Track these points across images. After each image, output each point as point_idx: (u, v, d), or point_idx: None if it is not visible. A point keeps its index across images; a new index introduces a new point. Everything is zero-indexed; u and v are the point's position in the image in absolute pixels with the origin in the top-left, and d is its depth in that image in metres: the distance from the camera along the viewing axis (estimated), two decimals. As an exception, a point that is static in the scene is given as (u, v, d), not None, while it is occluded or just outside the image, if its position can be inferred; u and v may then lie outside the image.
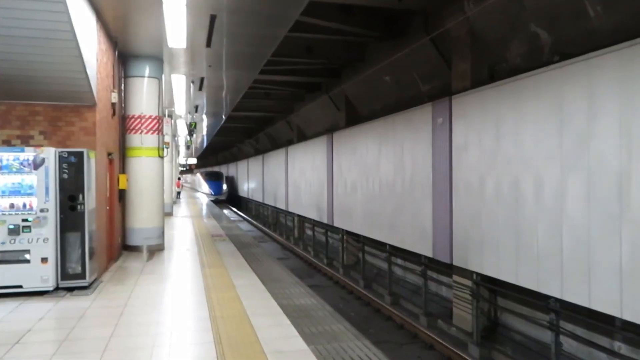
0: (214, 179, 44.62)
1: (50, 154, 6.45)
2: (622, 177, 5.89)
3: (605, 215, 6.12)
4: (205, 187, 44.39)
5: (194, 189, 57.36)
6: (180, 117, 18.31)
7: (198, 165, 64.58)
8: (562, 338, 7.01)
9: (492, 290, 9.06)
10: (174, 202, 24.30)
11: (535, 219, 7.29)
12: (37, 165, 6.40)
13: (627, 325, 6.33)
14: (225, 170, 52.79)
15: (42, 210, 6.39)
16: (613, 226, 6.01)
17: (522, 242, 7.55)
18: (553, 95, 6.95)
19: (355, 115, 16.22)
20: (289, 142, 24.90)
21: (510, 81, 7.83)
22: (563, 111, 6.78)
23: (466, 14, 8.74)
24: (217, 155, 61.18)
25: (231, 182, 47.00)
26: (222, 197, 43.11)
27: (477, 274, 8.67)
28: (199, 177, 50.75)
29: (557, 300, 6.90)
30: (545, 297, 7.09)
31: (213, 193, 42.36)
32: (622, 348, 6.79)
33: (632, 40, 5.76)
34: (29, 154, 6.41)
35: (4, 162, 6.35)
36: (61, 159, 6.49)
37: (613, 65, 6.02)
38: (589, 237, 6.34)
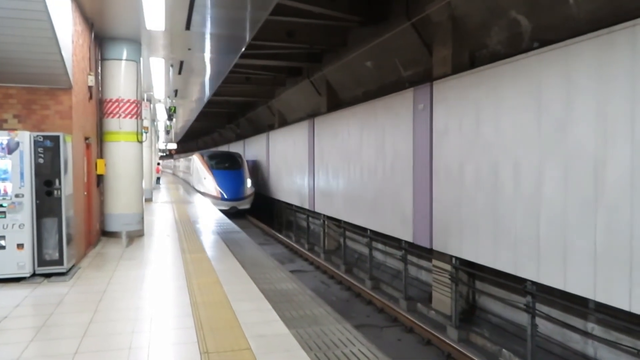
0: (227, 166, 23.95)
1: (24, 138, 6.30)
2: (598, 163, 6.01)
3: (581, 200, 6.25)
4: (209, 184, 22.99)
5: (188, 183, 31.35)
6: (160, 101, 18.02)
7: (178, 151, 56.14)
8: (538, 320, 7.18)
9: (470, 274, 9.21)
10: (154, 188, 24.03)
11: (513, 204, 7.41)
12: (11, 149, 6.24)
13: (600, 307, 6.51)
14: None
15: (17, 196, 6.25)
16: (588, 211, 6.14)
17: (500, 227, 7.67)
18: (532, 82, 7.02)
19: (336, 101, 16.19)
20: (270, 127, 24.77)
21: (490, 67, 7.89)
22: (541, 97, 6.86)
23: (448, -1, 8.73)
24: (197, 140, 60.35)
25: (256, 171, 26.39)
26: (246, 206, 23.13)
27: (457, 258, 8.80)
28: (197, 165, 25.61)
29: (533, 283, 7.05)
30: (522, 281, 7.24)
31: (226, 196, 22.25)
32: (595, 329, 6.99)
33: (610, 28, 5.83)
34: (2, 138, 6.23)
35: (-23, 146, 6.18)
36: (36, 143, 6.34)
37: (591, 52, 6.10)
38: (565, 222, 6.48)
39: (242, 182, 23.14)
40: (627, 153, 5.65)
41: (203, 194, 22.88)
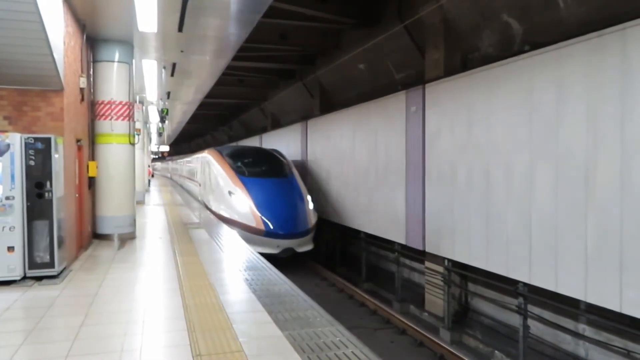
0: (266, 171, 14.25)
1: (15, 139, 6.25)
2: (588, 165, 6.06)
3: (571, 202, 6.29)
4: (241, 205, 12.84)
5: (195, 198, 20.08)
6: (152, 103, 17.95)
7: (171, 153, 51.30)
8: (530, 321, 7.21)
9: (463, 275, 9.24)
10: (146, 190, 23.89)
11: (505, 206, 7.44)
12: (1, 151, 6.19)
13: (591, 308, 6.55)
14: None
15: (7, 198, 6.20)
16: (579, 213, 6.18)
17: (492, 229, 7.70)
18: (523, 84, 7.07)
19: (329, 103, 16.22)
20: (262, 130, 24.76)
21: (482, 70, 7.93)
22: (533, 100, 6.91)
23: (439, 1, 8.78)
24: (190, 142, 60.15)
25: (306, 179, 16.24)
26: (308, 246, 12.81)
27: (449, 260, 8.82)
28: (212, 169, 15.19)
29: (525, 284, 7.08)
30: (514, 282, 7.27)
31: (275, 229, 12.13)
32: (587, 330, 7.03)
33: (600, 31, 5.89)
34: (-7, 139, 6.20)
35: (-33, 148, 6.13)
36: (27, 145, 6.30)
37: (581, 55, 6.15)
38: (556, 224, 6.52)
39: (300, 202, 13.16)
40: (617, 155, 5.70)
41: (228, 221, 12.80)
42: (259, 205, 12.52)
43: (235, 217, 12.76)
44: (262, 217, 12.26)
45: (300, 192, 13.63)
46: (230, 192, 13.37)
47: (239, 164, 14.40)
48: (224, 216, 13.31)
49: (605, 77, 5.84)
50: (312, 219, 13.02)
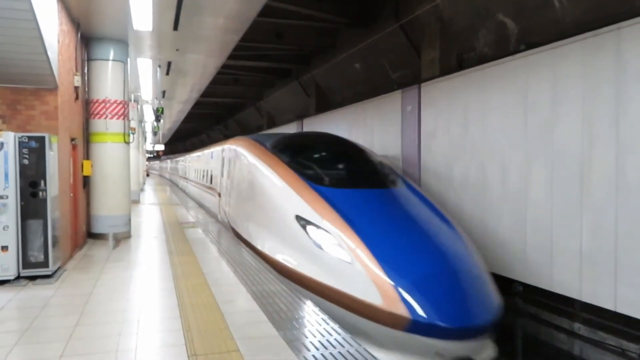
0: (366, 177, 7.17)
1: (9, 138, 6.21)
2: (583, 165, 6.08)
3: (566, 201, 6.31)
4: (336, 250, 5.71)
5: (212, 215, 12.49)
6: (147, 102, 17.89)
7: (166, 152, 52.03)
8: (526, 321, 7.22)
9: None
10: (141, 190, 23.81)
11: (500, 206, 7.46)
12: (-5, 150, 6.16)
13: (586, 307, 6.57)
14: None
15: (1, 197, 6.16)
16: (574, 212, 6.20)
17: (488, 228, 7.71)
18: (519, 84, 7.08)
19: (325, 102, 16.22)
20: (258, 129, 24.73)
21: (477, 69, 7.94)
22: (528, 100, 6.92)
23: (435, 1, 8.79)
24: (185, 142, 60.01)
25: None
26: (489, 353, 5.27)
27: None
28: (248, 172, 8.34)
29: (520, 284, 7.10)
30: (510, 282, 7.29)
31: (427, 314, 4.89)
32: (581, 329, 7.05)
33: (595, 31, 5.91)
34: (-14, 138, 6.15)
35: (-40, 147, 6.09)
36: (21, 144, 6.26)
37: (577, 54, 6.17)
38: (551, 223, 6.53)
39: (460, 246, 6.21)
40: (612, 155, 5.72)
41: (300, 281, 6.14)
42: (385, 258, 5.63)
43: (324, 280, 5.90)
44: (400, 290, 5.30)
45: (446, 219, 6.87)
46: (300, 220, 6.56)
47: (306, 162, 7.71)
48: (293, 270, 6.43)
49: (600, 77, 5.86)
50: (494, 288, 5.80)
